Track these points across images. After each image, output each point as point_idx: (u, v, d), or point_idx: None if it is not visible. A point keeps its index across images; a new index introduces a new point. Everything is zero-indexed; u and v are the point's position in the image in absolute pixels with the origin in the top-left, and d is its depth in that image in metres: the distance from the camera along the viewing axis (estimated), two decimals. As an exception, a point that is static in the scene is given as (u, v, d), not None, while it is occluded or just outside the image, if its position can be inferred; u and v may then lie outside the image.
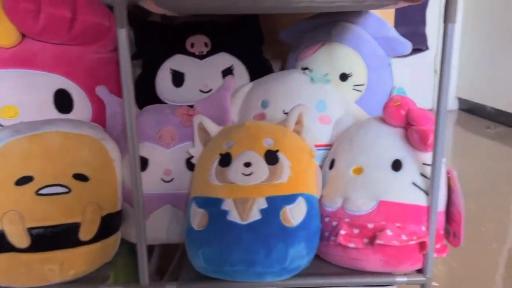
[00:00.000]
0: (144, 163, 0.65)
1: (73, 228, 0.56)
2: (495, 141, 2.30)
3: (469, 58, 2.72)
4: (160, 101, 0.77)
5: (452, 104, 2.96)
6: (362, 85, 0.74)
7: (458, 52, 2.74)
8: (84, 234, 0.56)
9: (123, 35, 0.52)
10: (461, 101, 3.01)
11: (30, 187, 0.54)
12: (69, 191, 0.56)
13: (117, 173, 0.62)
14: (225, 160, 0.58)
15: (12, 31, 0.67)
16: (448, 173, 0.58)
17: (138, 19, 0.88)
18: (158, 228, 0.65)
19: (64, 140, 0.57)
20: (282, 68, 0.90)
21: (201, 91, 0.76)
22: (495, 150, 2.16)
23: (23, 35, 0.69)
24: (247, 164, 0.56)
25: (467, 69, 2.75)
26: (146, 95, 0.77)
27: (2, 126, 0.66)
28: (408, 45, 0.75)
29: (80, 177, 0.57)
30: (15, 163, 0.54)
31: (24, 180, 0.54)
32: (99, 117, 0.72)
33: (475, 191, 1.46)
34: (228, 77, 0.72)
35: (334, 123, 0.69)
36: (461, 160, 1.82)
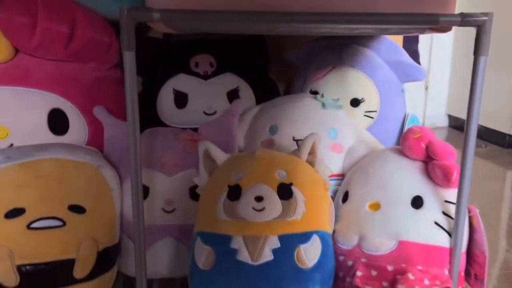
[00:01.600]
0: (144, 191, 0.60)
1: (67, 265, 0.51)
2: (486, 160, 2.30)
3: (460, 76, 2.74)
4: (161, 122, 0.72)
5: (442, 121, 2.98)
6: (374, 111, 0.71)
7: (448, 69, 2.76)
8: (79, 271, 0.52)
9: (130, 58, 0.48)
10: (451, 118, 3.03)
11: (21, 220, 0.49)
12: (64, 224, 0.51)
13: (115, 203, 0.57)
14: (235, 193, 0.54)
15: (5, 45, 0.63)
16: (470, 211, 0.55)
17: (138, 34, 0.84)
18: (158, 262, 0.60)
19: (59, 168, 0.53)
20: (287, 89, 0.86)
21: (205, 113, 0.72)
22: (486, 169, 2.16)
23: (17, 50, 0.64)
24: (259, 199, 0.52)
25: (457, 86, 2.77)
26: (146, 115, 0.73)
27: (-10, 148, 0.61)
28: (422, 71, 0.72)
29: (76, 209, 0.53)
30: (6, 193, 0.50)
31: (15, 213, 0.49)
32: (96, 140, 0.68)
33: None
34: (236, 102, 0.69)
35: (346, 152, 0.66)
36: (453, 179, 1.81)
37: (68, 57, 0.66)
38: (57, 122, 0.65)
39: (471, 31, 0.47)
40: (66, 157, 0.54)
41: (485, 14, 0.46)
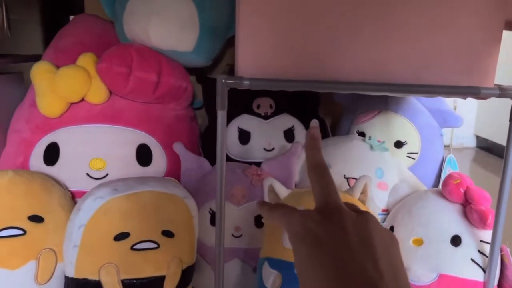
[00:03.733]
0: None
1: (159, 280, 0.62)
2: (513, 183, 2.32)
3: (489, 99, 2.76)
4: (227, 156, 0.83)
5: (470, 141, 3.01)
6: (416, 153, 0.80)
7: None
8: (168, 286, 0.62)
9: (223, 116, 0.58)
10: (479, 139, 3.05)
11: (126, 243, 0.60)
12: (158, 246, 0.62)
13: (195, 228, 0.68)
14: (298, 225, 0.64)
15: (103, 90, 0.74)
16: (502, 250, 0.63)
17: (205, 75, 0.96)
18: (227, 280, 0.70)
19: (156, 200, 0.64)
20: (333, 127, 0.96)
21: (265, 149, 0.82)
22: (513, 193, 2.19)
23: (111, 93, 0.76)
24: (320, 232, 0.62)
25: (485, 107, 2.80)
26: (213, 148, 0.84)
27: (90, 177, 0.73)
28: (459, 119, 0.81)
29: (168, 233, 0.63)
30: (115, 220, 0.61)
31: (122, 236, 0.61)
32: (173, 170, 0.79)
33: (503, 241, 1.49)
34: (296, 143, 0.79)
35: (390, 190, 0.75)
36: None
37: (154, 100, 0.78)
38: (144, 155, 0.76)
39: (500, 54, 0.55)
40: (161, 190, 0.65)
41: (520, 87, 0.55)
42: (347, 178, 0.75)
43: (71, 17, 1.77)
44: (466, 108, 2.71)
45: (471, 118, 2.79)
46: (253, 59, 0.58)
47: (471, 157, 2.89)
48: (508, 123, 0.56)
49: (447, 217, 0.65)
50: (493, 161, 2.74)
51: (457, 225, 0.64)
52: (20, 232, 0.61)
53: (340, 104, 0.93)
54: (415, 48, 0.56)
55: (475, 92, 0.56)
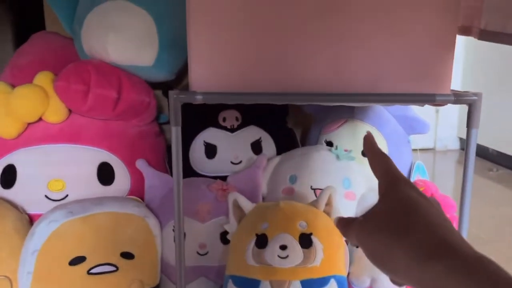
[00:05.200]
0: (181, 237, 0.69)
1: (119, 304, 0.60)
2: (498, 184, 2.34)
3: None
4: (193, 171, 0.82)
5: (453, 143, 3.02)
6: (383, 161, 0.79)
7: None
8: (129, 310, 0.60)
9: (177, 132, 0.57)
10: (463, 141, 3.06)
11: (82, 267, 0.58)
12: (117, 269, 0.60)
13: (157, 248, 0.66)
14: (261, 241, 0.62)
15: (61, 108, 0.73)
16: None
17: (171, 88, 0.94)
18: (193, 300, 0.68)
19: (113, 221, 0.62)
20: (303, 136, 0.95)
21: (232, 162, 0.81)
22: (498, 193, 2.20)
23: (70, 111, 0.74)
24: (283, 247, 0.60)
25: (467, 110, 2.82)
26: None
27: (49, 198, 0.71)
28: (426, 126, 0.81)
29: (127, 255, 0.62)
30: (70, 244, 0.59)
31: (77, 260, 0.59)
32: (137, 188, 0.77)
33: (477, 235, 1.48)
34: (261, 156, 0.77)
35: (358, 199, 0.74)
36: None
37: (115, 117, 0.76)
38: (105, 174, 0.74)
39: (482, 54, 0.55)
40: (118, 210, 0.63)
41: (475, 94, 0.55)
42: (314, 189, 0.74)
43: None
44: (449, 111, 2.73)
45: (453, 120, 2.81)
46: (206, 73, 0.57)
47: (455, 159, 2.91)
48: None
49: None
50: (478, 164, 2.75)
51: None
52: (-30, 260, 0.59)
53: (309, 114, 0.92)
54: (370, 57, 0.55)
55: (431, 99, 0.55)
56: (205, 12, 0.56)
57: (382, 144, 0.80)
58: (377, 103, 0.58)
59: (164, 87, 0.93)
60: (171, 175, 0.78)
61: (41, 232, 0.59)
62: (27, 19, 1.40)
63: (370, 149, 0.36)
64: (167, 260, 0.69)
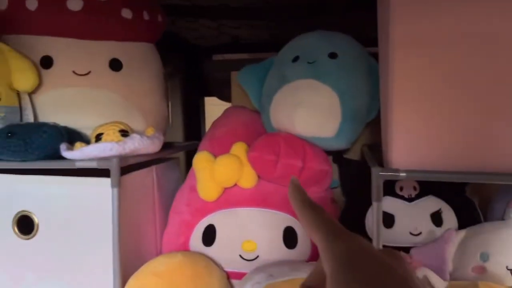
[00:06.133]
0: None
1: None
2: None
3: None
4: (370, 239, 0.82)
5: None
6: None
7: None
8: None
9: (379, 208, 0.59)
10: None
11: (283, 331, 0.62)
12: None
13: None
14: (464, 325, 0.59)
15: (253, 175, 0.81)
16: None
17: (341, 155, 0.98)
18: None
19: (309, 287, 0.65)
20: (483, 208, 0.89)
21: (411, 233, 0.80)
22: None
23: (259, 177, 0.82)
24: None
25: None
26: (355, 231, 0.83)
27: (243, 258, 0.78)
28: None
29: (321, 324, 0.63)
30: (273, 307, 0.63)
31: (279, 324, 0.62)
32: (316, 254, 0.80)
33: None
34: (450, 230, 0.75)
35: None
36: None
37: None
38: (290, 238, 0.79)
39: None
40: (313, 277, 0.66)
41: None
42: (510, 270, 0.68)
43: (205, 98, 1.98)
44: None
45: None
46: (408, 151, 0.59)
47: None
48: None
49: None
50: None
51: None
52: (187, 312, 0.67)
53: (489, 184, 0.87)
54: None
55: None
56: (408, 92, 0.59)
57: None
58: None
59: (334, 153, 0.98)
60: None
61: (246, 293, 0.65)
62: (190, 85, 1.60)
63: (296, 198, 0.29)
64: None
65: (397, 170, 0.58)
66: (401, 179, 0.58)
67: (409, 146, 0.58)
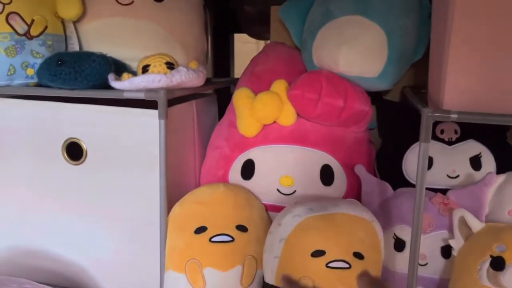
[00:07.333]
0: (401, 245, 0.72)
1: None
2: None
3: None
4: (406, 181, 0.83)
5: None
6: None
7: None
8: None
9: (425, 149, 0.59)
10: None
11: (322, 260, 0.65)
12: (350, 267, 0.66)
13: (382, 252, 0.70)
14: (498, 264, 0.61)
15: (293, 113, 0.81)
16: None
17: (381, 96, 0.97)
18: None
19: (348, 222, 0.67)
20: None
21: (448, 176, 0.80)
22: None
23: (298, 115, 0.82)
24: (525, 274, 0.58)
25: None
26: (391, 172, 0.85)
27: (280, 192, 0.80)
28: None
29: (358, 255, 0.66)
30: (312, 238, 0.66)
31: (318, 253, 0.66)
32: (352, 192, 0.82)
33: None
34: (491, 174, 0.75)
35: None
36: None
37: (338, 124, 0.82)
38: (326, 175, 0.81)
39: None
40: (352, 212, 0.68)
41: None
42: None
43: (235, 35, 1.93)
44: None
45: None
46: (461, 92, 0.58)
47: None
48: None
49: None
50: None
51: None
52: (230, 239, 0.70)
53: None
54: None
55: None
56: (467, 32, 0.56)
57: None
58: None
59: (373, 94, 0.96)
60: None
61: (287, 224, 0.68)
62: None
63: None
64: (386, 265, 0.72)
65: (448, 112, 0.57)
66: (453, 120, 0.57)
67: (464, 87, 0.57)
